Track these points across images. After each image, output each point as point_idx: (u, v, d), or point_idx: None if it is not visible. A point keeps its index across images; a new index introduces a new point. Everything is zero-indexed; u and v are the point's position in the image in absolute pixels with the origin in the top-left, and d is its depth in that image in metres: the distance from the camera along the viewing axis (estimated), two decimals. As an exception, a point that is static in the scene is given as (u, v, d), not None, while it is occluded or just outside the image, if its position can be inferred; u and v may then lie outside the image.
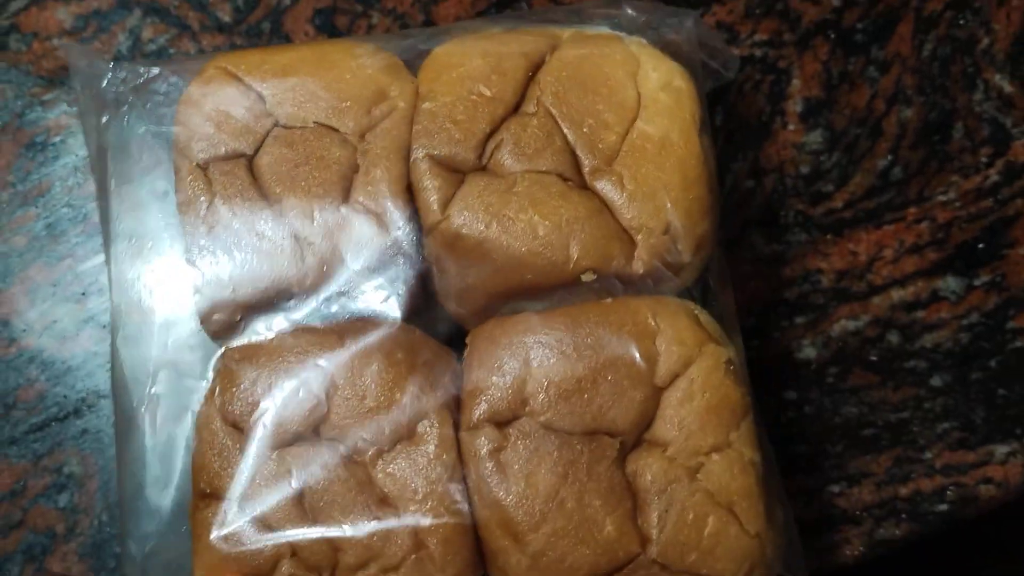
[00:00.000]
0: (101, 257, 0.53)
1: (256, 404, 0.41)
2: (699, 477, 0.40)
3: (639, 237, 0.42)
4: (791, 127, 0.55)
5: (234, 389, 0.41)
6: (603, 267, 0.42)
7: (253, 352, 0.42)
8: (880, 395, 0.52)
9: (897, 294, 0.53)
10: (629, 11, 0.48)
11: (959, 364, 0.52)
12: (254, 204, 0.43)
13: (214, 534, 0.40)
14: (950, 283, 0.53)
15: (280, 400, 0.41)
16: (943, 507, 0.51)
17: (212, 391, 0.42)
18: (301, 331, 0.42)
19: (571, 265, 0.42)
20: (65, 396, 0.52)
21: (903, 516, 0.51)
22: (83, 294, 0.53)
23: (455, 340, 0.44)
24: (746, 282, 0.53)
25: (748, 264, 0.53)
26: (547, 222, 0.42)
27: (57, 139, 0.55)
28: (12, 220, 0.54)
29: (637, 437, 0.41)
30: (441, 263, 0.43)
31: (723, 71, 0.48)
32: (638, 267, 0.42)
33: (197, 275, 0.42)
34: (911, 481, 0.51)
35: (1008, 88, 0.55)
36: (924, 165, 0.55)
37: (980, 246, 0.54)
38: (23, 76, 0.55)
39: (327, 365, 0.41)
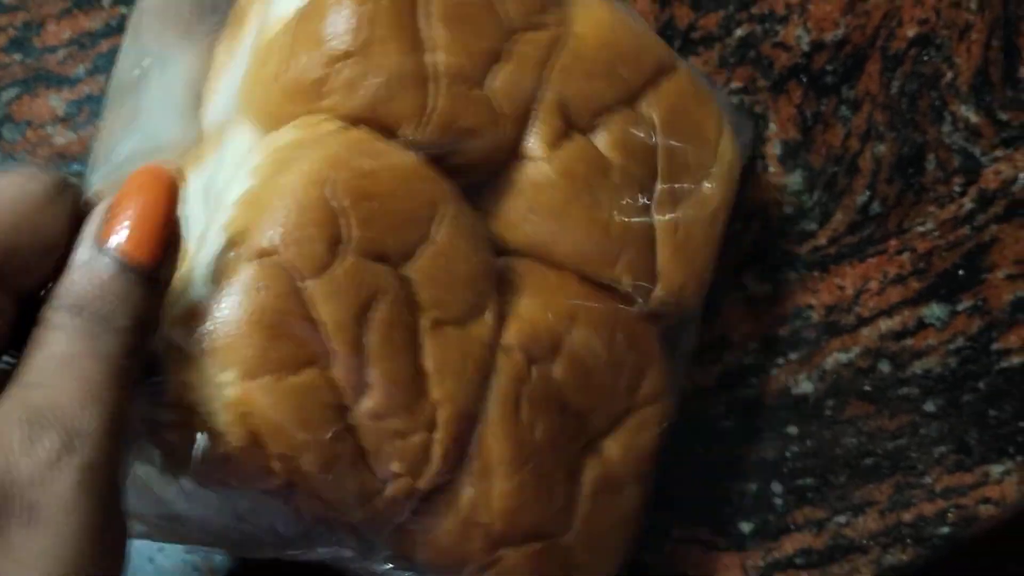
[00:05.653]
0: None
1: None
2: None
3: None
4: (771, 169, 0.57)
5: None
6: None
7: None
8: (877, 424, 0.54)
9: (885, 324, 0.55)
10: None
11: (950, 388, 0.54)
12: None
13: None
14: (935, 310, 0.55)
15: None
16: (945, 530, 0.52)
17: None
18: None
19: None
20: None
21: (908, 541, 0.52)
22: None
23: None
24: (742, 323, 0.54)
25: (742, 305, 0.55)
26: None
27: (56, 225, 0.56)
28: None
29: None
30: None
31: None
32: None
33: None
34: (913, 506, 0.53)
35: (974, 118, 0.58)
36: (901, 198, 0.57)
37: (960, 272, 0.56)
38: (20, 165, 0.56)
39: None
